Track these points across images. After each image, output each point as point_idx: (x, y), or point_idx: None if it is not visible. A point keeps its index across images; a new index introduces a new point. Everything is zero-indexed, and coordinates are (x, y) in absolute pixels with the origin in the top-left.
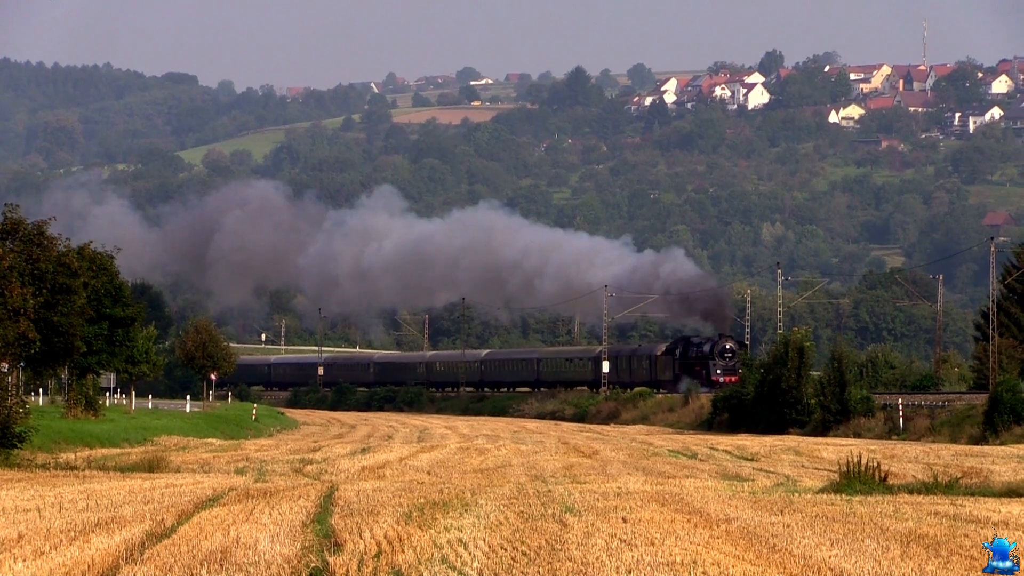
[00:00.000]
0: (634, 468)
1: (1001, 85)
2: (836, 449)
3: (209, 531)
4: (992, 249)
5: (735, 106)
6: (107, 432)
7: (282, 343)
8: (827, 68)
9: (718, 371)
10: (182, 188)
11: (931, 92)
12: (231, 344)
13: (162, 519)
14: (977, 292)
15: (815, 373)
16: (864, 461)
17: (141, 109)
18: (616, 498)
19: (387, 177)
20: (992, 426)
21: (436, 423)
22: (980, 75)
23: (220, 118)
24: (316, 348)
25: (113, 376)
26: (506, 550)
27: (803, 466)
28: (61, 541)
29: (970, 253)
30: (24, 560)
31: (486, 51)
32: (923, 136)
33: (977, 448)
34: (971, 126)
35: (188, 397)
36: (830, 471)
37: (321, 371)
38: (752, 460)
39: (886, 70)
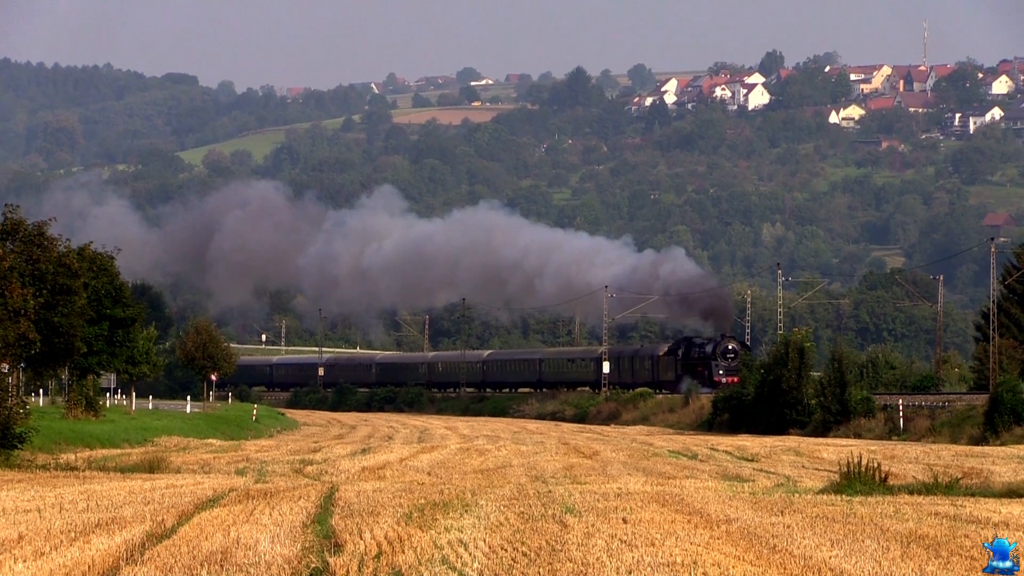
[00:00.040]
0: (634, 469)
1: (1001, 86)
2: (836, 450)
3: (209, 532)
4: (992, 249)
5: (735, 106)
6: (107, 433)
7: (282, 344)
8: (827, 68)
9: (720, 371)
10: (182, 189)
11: (931, 92)
12: (231, 345)
13: (162, 520)
14: (977, 292)
15: (815, 374)
16: (864, 462)
17: (141, 109)
18: (616, 499)
19: (387, 177)
20: (992, 427)
21: (436, 424)
22: (980, 75)
23: (220, 118)
24: (317, 349)
25: (113, 377)
26: (506, 551)
27: (803, 467)
28: (61, 542)
29: (970, 253)
30: (24, 561)
31: (486, 51)
32: (923, 137)
33: (977, 449)
34: (971, 127)
35: (188, 398)
36: (830, 472)
37: (321, 372)
38: (752, 461)
39: (886, 70)
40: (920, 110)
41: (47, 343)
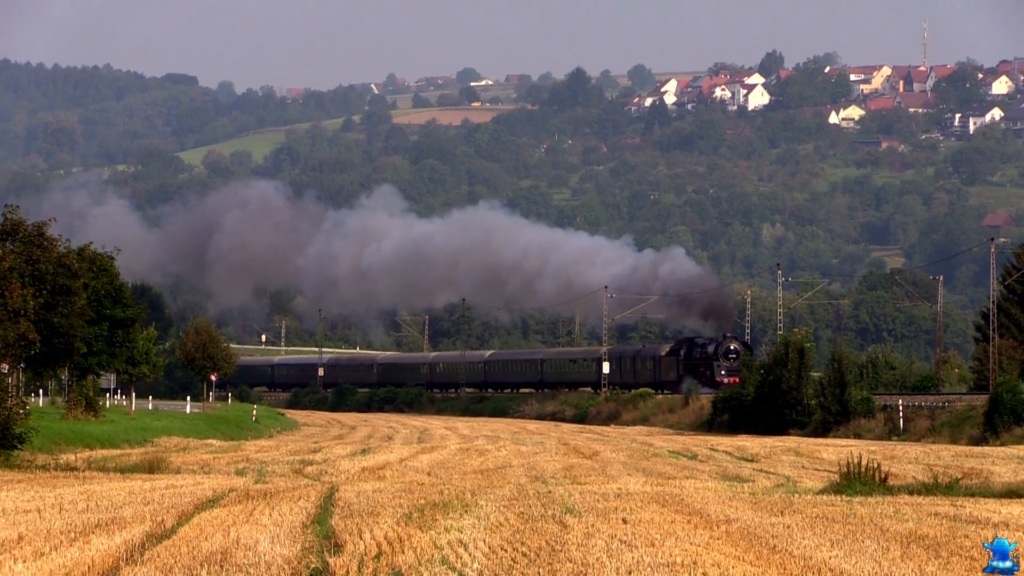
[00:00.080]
0: (634, 469)
1: (1001, 86)
2: (836, 450)
3: (209, 532)
4: (992, 250)
5: (735, 107)
6: (107, 433)
7: (282, 344)
8: (827, 69)
9: (722, 372)
10: (182, 189)
11: (931, 93)
12: (231, 345)
13: (162, 520)
14: (977, 293)
15: (815, 374)
16: (864, 462)
17: (141, 110)
18: (616, 499)
19: (387, 178)
20: (992, 427)
21: (436, 424)
22: (980, 76)
23: (220, 119)
24: (316, 349)
25: (113, 377)
26: (506, 551)
27: (803, 467)
28: (61, 542)
29: (970, 254)
30: (24, 561)
31: (486, 52)
32: (923, 137)
33: (977, 449)
34: (971, 127)
35: (188, 398)
36: (830, 472)
37: (321, 372)
38: (752, 461)
39: (886, 71)
40: (920, 110)
41: (47, 343)
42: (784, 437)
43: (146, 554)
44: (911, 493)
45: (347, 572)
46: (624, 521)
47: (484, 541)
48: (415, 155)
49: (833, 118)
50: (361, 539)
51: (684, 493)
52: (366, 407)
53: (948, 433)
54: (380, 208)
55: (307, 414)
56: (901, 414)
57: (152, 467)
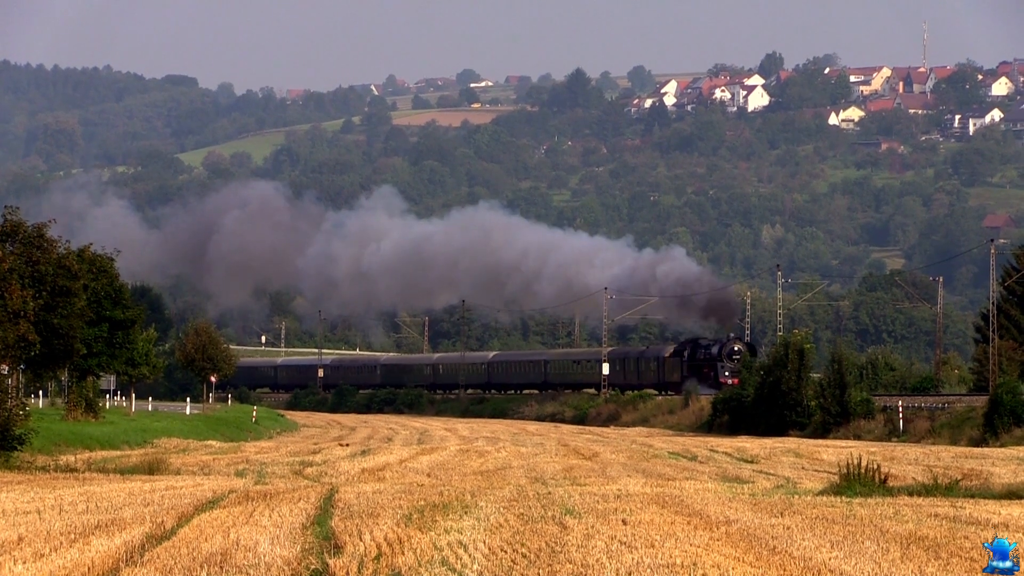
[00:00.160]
0: (634, 470)
1: (1001, 87)
2: (836, 451)
3: (209, 533)
4: (992, 251)
5: (735, 108)
6: (107, 434)
7: (282, 345)
8: (827, 70)
9: (727, 373)
10: (182, 190)
11: (931, 94)
12: (231, 346)
13: (162, 521)
14: (977, 294)
15: (815, 375)
16: (864, 463)
17: (141, 111)
18: (616, 500)
19: (387, 179)
20: (992, 428)
21: (436, 425)
22: (980, 77)
23: (220, 120)
24: (316, 350)
25: (113, 378)
26: (506, 552)
27: (803, 468)
28: (61, 543)
29: (970, 255)
30: (24, 562)
31: (486, 53)
32: (923, 138)
33: (977, 450)
34: (971, 128)
35: (188, 399)
36: (830, 473)
37: (321, 373)
38: (752, 462)
39: (886, 72)
40: (920, 112)
41: (47, 345)
42: (784, 438)
43: (146, 555)
44: (911, 494)
45: (347, 573)
46: (624, 522)
47: (484, 542)
48: (415, 156)
49: (833, 119)
50: (361, 540)
51: (684, 494)
52: (366, 408)
53: (948, 434)
54: (380, 209)
55: (307, 415)
56: (901, 415)
57: (152, 468)
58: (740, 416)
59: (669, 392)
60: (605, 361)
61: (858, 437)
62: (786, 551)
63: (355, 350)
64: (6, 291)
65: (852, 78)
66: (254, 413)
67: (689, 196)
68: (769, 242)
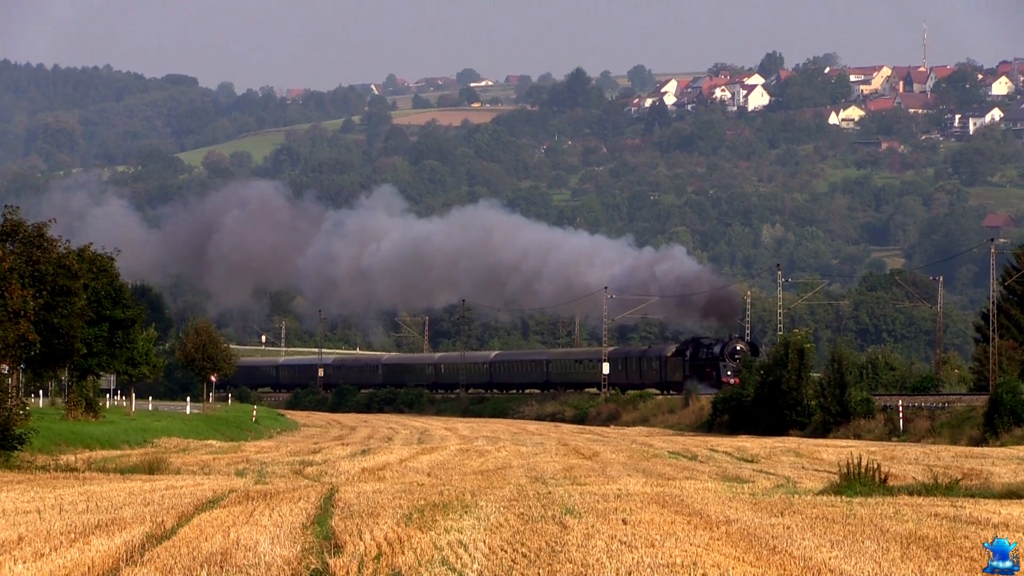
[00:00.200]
0: (634, 470)
1: (1001, 87)
2: (836, 451)
3: (209, 533)
4: (992, 251)
5: (735, 108)
6: (107, 434)
7: (282, 345)
8: (827, 70)
9: (729, 372)
10: (182, 190)
11: (931, 94)
12: (231, 346)
13: (162, 521)
14: (977, 294)
15: (815, 375)
16: (864, 463)
17: (141, 111)
18: (616, 500)
19: (387, 179)
20: (992, 428)
21: (436, 425)
22: (980, 77)
23: (220, 120)
24: (316, 350)
25: (113, 378)
26: (506, 552)
27: (803, 468)
28: (61, 543)
29: (970, 255)
30: (24, 562)
31: (486, 53)
32: (923, 138)
33: (977, 450)
34: (971, 128)
35: (188, 399)
36: (830, 473)
37: (321, 372)
38: (752, 462)
39: (886, 72)
40: (920, 111)
41: (47, 344)
42: (784, 438)
43: (146, 555)
44: (911, 494)
45: (347, 573)
46: (624, 522)
47: (484, 542)
48: (415, 156)
49: (833, 119)
50: (361, 540)
51: (684, 494)
52: (366, 408)
53: (948, 434)
54: (380, 208)
55: (307, 415)
56: (901, 415)
57: (152, 468)
58: (740, 416)
59: (671, 392)
60: (605, 361)
61: (858, 437)
62: (786, 551)
63: (355, 350)
64: (6, 291)
65: (852, 77)
66: (254, 413)
67: (689, 195)
68: (769, 241)
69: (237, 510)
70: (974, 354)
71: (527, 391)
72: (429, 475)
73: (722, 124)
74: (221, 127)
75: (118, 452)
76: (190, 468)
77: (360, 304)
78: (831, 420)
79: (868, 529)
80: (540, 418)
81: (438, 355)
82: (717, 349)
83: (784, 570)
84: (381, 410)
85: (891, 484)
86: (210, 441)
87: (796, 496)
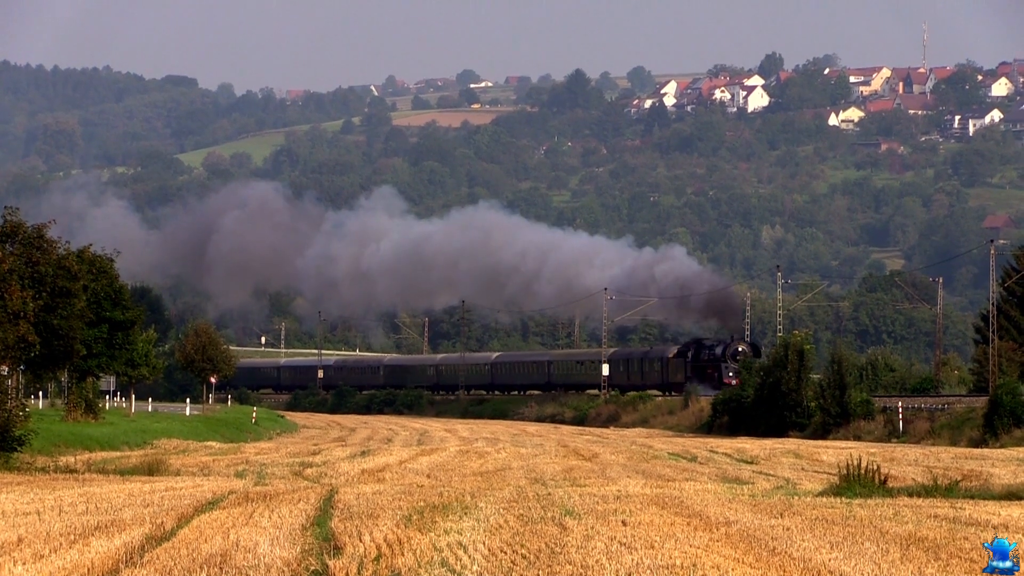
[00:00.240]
0: (634, 471)
1: (1001, 88)
2: (836, 452)
3: (209, 534)
4: (992, 252)
5: (735, 109)
6: (107, 435)
7: (282, 346)
8: (827, 71)
9: (731, 374)
10: (182, 191)
11: (931, 95)
12: (231, 347)
13: (162, 522)
14: (977, 295)
15: (815, 376)
16: (864, 464)
17: (141, 112)
18: (616, 501)
19: (387, 180)
20: (992, 429)
21: (436, 426)
22: (980, 78)
23: (220, 121)
24: (316, 351)
25: (113, 379)
26: (506, 553)
27: (803, 469)
28: (61, 544)
29: (970, 256)
30: (24, 563)
31: (486, 54)
32: (923, 139)
33: (977, 451)
34: (971, 129)
35: (188, 400)
36: (830, 474)
37: (321, 374)
38: (752, 463)
39: (886, 73)
40: (919, 112)
41: (47, 346)
42: (784, 439)
43: (145, 556)
44: (911, 495)
45: (347, 574)
46: (624, 523)
47: (484, 543)
48: (415, 157)
49: (833, 120)
50: (361, 541)
51: (684, 495)
52: (366, 409)
53: (948, 435)
54: (380, 209)
55: (306, 416)
56: (901, 416)
57: (151, 469)
58: (740, 417)
59: (673, 393)
60: (605, 362)
61: (858, 438)
62: (786, 552)
63: (355, 351)
64: (6, 292)
65: (852, 79)
66: (254, 414)
67: (689, 197)
68: (769, 243)
69: (237, 511)
70: (974, 355)
71: (528, 392)
72: (429, 476)
73: (722, 125)
74: (221, 128)
75: (118, 453)
76: (190, 469)
77: (360, 305)
78: (831, 421)
79: (868, 530)
80: (540, 419)
81: (440, 356)
82: (719, 350)
83: (784, 571)
84: (381, 411)
85: (891, 485)
86: (210, 442)
87: (796, 497)
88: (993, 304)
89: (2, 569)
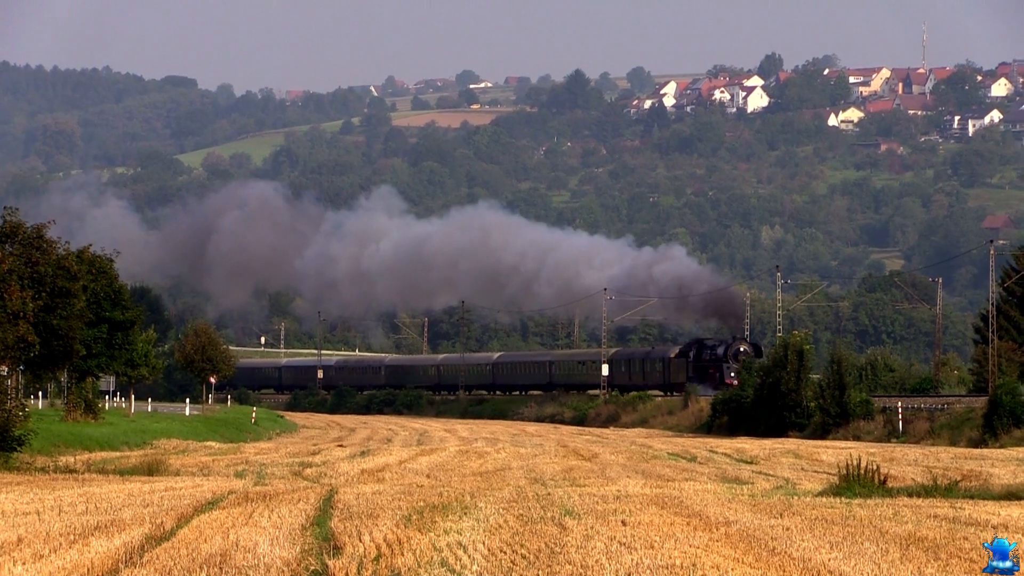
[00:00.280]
0: (633, 471)
1: (1000, 88)
2: (835, 452)
3: (208, 534)
4: (991, 252)
5: (734, 109)
6: (106, 435)
7: (281, 347)
8: (826, 71)
9: (732, 374)
10: (181, 191)
11: (930, 95)
12: (230, 347)
13: (161, 522)
14: (976, 295)
15: (814, 376)
16: (863, 464)
17: (140, 112)
18: (615, 501)
19: (386, 180)
20: (991, 429)
21: (436, 426)
22: (979, 78)
23: (219, 121)
24: (316, 352)
25: (112, 379)
26: (505, 553)
27: (802, 469)
28: (60, 544)
29: (969, 256)
30: (24, 563)
31: (485, 54)
32: (922, 139)
33: (976, 451)
34: (970, 129)
35: (187, 400)
36: (829, 474)
37: (320, 374)
38: (751, 463)
39: (885, 73)
40: (919, 113)
41: (46, 346)
42: (783, 439)
43: (145, 556)
44: (910, 495)
45: (346, 574)
46: (623, 523)
47: (483, 543)
48: (414, 157)
49: (832, 120)
50: (360, 541)
51: (683, 495)
52: (365, 409)
53: (947, 435)
54: (379, 209)
55: (306, 416)
56: (900, 416)
57: (151, 469)
58: (739, 417)
59: (674, 393)
60: (605, 362)
61: (857, 438)
62: (785, 552)
63: (355, 351)
64: (5, 292)
65: (851, 79)
66: (253, 414)
67: (688, 197)
68: (768, 243)
69: (236, 511)
70: (973, 355)
71: (529, 393)
72: (428, 476)
73: (721, 126)
74: (220, 129)
75: (117, 454)
76: (189, 470)
77: (359, 305)
78: (830, 421)
79: (867, 530)
80: (539, 420)
81: (440, 357)
82: (721, 350)
83: (783, 571)
84: (380, 411)
85: (890, 485)
86: (209, 443)
87: (795, 497)
88: (993, 304)
89: (2, 569)
